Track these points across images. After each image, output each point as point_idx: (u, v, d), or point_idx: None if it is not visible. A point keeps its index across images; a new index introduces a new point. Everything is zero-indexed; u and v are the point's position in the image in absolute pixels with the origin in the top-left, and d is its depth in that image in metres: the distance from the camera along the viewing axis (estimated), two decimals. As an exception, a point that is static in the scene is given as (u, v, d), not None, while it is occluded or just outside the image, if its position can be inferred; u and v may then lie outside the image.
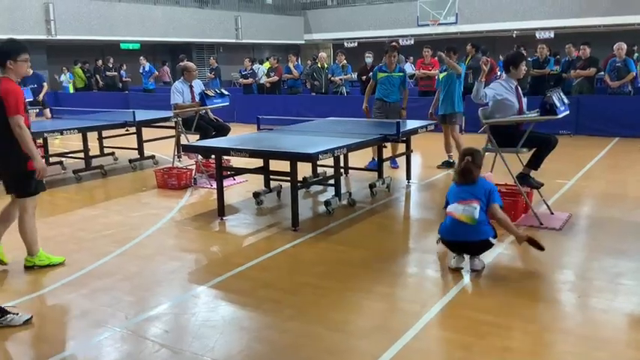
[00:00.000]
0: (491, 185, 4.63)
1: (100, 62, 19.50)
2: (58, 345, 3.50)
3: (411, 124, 7.41)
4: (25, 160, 4.45)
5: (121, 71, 19.32)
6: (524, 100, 5.90)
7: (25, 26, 19.11)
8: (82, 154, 8.72)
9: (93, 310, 4.07)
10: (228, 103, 8.30)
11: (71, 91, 19.64)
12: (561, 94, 5.58)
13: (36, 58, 16.33)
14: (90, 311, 4.04)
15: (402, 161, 8.03)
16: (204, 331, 3.63)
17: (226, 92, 8.39)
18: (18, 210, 4.65)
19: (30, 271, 4.72)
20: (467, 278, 4.36)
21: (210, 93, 8.08)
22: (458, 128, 8.50)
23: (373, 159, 8.11)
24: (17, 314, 3.73)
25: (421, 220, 6.26)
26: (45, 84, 14.35)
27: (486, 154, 5.85)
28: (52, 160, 8.89)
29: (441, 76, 8.54)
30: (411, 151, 7.56)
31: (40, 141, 8.35)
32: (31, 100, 12.20)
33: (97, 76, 19.12)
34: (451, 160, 8.56)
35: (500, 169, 5.84)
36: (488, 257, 4.78)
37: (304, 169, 6.99)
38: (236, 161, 7.10)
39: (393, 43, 12.11)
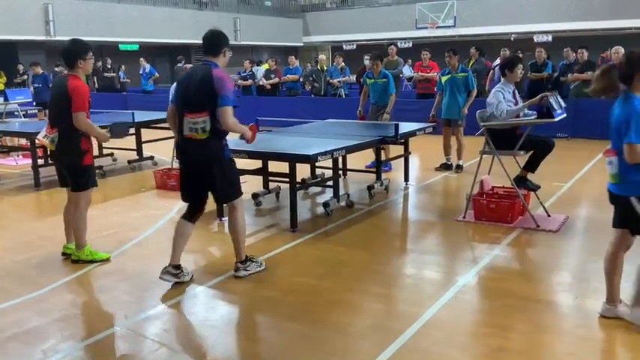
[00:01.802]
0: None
1: (99, 63, 19.50)
2: (57, 344, 3.52)
3: (409, 126, 7.44)
4: (82, 155, 4.68)
5: (120, 72, 19.33)
6: (521, 103, 5.93)
7: (25, 27, 19.13)
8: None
9: (93, 310, 4.10)
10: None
11: None
12: (558, 97, 5.62)
13: (35, 59, 16.34)
14: (90, 310, 4.07)
15: (400, 163, 8.08)
16: (203, 330, 3.66)
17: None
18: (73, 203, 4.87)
19: (68, 265, 4.84)
20: (463, 279, 4.39)
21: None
22: (463, 131, 8.49)
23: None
24: (186, 273, 4.39)
25: (419, 222, 6.29)
26: (50, 85, 14.43)
27: (484, 156, 5.90)
28: (50, 160, 8.89)
29: (444, 79, 8.50)
30: (409, 153, 7.60)
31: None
32: (30, 100, 12.28)
33: (95, 77, 19.12)
34: (449, 163, 8.60)
35: (497, 172, 5.88)
36: (485, 259, 4.82)
37: (303, 171, 7.00)
38: (236, 162, 7.11)
39: (391, 48, 12.17)
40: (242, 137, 4.54)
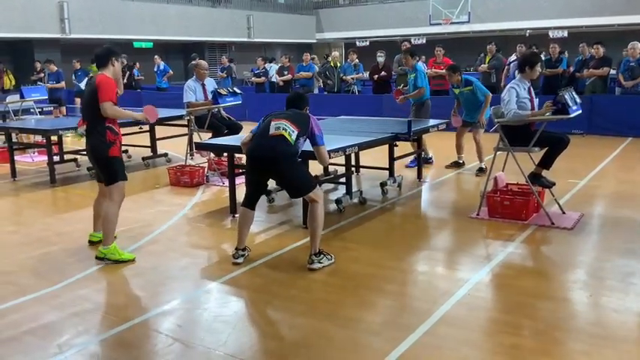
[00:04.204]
0: None
1: (124, 62, 19.55)
2: (72, 338, 3.56)
3: (423, 122, 7.41)
4: (107, 147, 4.77)
5: (134, 70, 19.43)
6: (536, 100, 5.89)
7: (40, 25, 19.28)
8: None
9: (107, 305, 4.14)
10: (240, 102, 8.35)
11: (84, 88, 19.77)
12: (573, 93, 5.56)
13: (51, 57, 16.47)
14: (104, 306, 4.11)
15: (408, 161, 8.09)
16: (216, 325, 3.68)
17: (239, 91, 8.45)
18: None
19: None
20: (477, 277, 4.37)
21: (223, 92, 8.13)
22: (481, 132, 8.24)
23: (415, 158, 8.09)
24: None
25: (432, 219, 6.27)
26: (63, 82, 14.55)
27: (498, 153, 5.86)
28: (66, 157, 8.99)
29: (456, 91, 8.25)
30: (423, 151, 7.57)
31: (54, 138, 8.44)
32: (46, 97, 12.38)
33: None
34: (461, 162, 8.52)
35: (512, 169, 5.84)
36: (499, 256, 4.80)
37: (315, 167, 7.01)
38: (248, 159, 7.14)
39: (404, 44, 12.10)
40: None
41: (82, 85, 15.00)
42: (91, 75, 17.47)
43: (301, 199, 5.68)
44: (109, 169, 4.84)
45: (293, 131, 4.56)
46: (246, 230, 4.81)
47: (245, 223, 4.79)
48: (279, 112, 4.76)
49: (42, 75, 17.48)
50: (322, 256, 4.63)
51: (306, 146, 4.80)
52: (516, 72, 5.99)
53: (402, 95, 8.56)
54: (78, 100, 14.81)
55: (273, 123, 4.62)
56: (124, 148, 9.48)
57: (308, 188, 4.61)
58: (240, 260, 4.72)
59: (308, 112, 4.89)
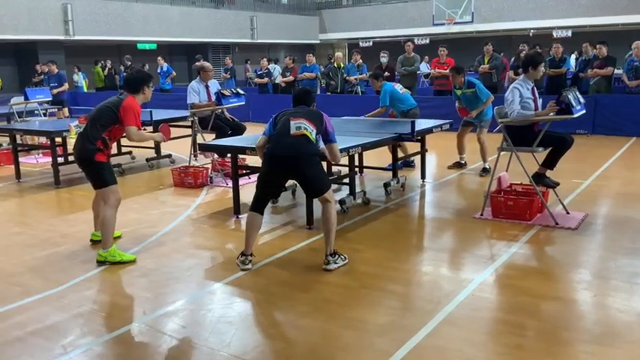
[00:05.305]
0: None
1: (129, 63, 19.58)
2: (76, 339, 3.57)
3: (426, 123, 7.41)
4: (94, 152, 4.79)
5: (140, 71, 19.41)
6: (540, 100, 5.88)
7: (44, 26, 19.36)
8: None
9: (112, 306, 4.15)
10: (243, 103, 8.36)
11: (85, 90, 19.77)
12: (577, 93, 5.54)
13: (54, 59, 16.52)
14: (109, 306, 4.13)
15: (416, 161, 8.05)
16: (220, 326, 3.69)
17: (242, 92, 8.46)
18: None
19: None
20: (481, 277, 4.37)
21: (226, 92, 8.15)
22: (485, 132, 8.19)
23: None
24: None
25: (436, 219, 6.26)
26: (65, 84, 14.58)
27: (502, 153, 5.86)
28: (70, 158, 9.00)
29: (458, 92, 8.19)
30: (426, 151, 7.56)
31: (58, 139, 8.47)
32: (49, 99, 12.41)
33: (117, 77, 19.24)
34: (462, 162, 8.50)
35: (515, 169, 5.83)
36: (503, 256, 4.79)
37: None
38: (252, 160, 7.14)
39: (408, 44, 12.07)
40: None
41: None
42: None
43: (304, 200, 5.70)
44: (95, 173, 4.86)
45: (312, 130, 4.57)
46: (255, 235, 4.75)
47: (254, 228, 4.71)
48: (294, 111, 4.71)
49: (41, 77, 17.51)
50: (337, 256, 4.64)
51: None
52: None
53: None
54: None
55: (292, 122, 4.57)
56: (128, 149, 9.59)
57: (326, 188, 4.64)
58: (250, 266, 4.66)
59: (316, 108, 4.88)
